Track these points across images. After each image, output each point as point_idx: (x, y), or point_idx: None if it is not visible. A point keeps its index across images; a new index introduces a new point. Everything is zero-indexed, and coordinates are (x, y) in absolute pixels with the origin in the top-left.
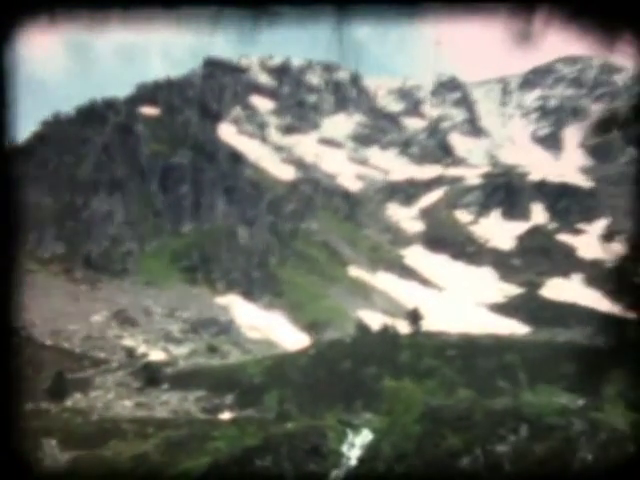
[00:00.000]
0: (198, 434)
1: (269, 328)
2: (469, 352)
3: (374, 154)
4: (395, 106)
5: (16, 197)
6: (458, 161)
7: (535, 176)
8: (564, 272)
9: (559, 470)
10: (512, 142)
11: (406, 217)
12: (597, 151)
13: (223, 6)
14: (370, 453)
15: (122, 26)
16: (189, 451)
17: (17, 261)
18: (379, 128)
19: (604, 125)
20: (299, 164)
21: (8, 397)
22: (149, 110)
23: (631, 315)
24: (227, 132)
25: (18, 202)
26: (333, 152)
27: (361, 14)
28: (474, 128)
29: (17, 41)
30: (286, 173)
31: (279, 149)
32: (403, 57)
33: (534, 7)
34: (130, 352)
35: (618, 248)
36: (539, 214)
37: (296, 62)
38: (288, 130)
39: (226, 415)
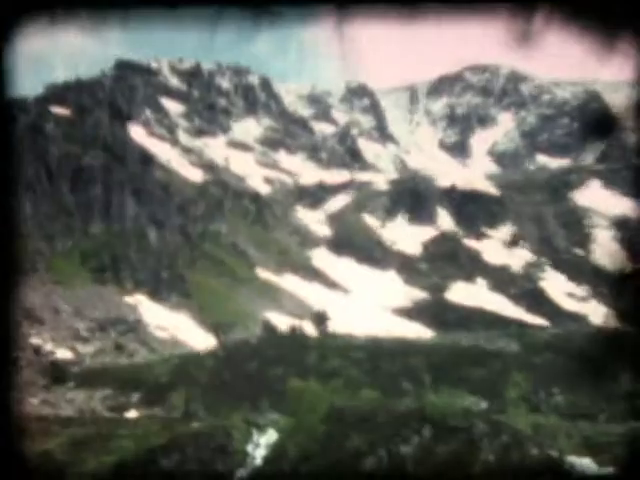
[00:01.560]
0: (104, 433)
1: (176, 328)
2: (374, 354)
3: (283, 158)
4: (304, 111)
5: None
6: (366, 166)
7: (442, 182)
8: (469, 277)
9: (461, 471)
10: (420, 149)
11: (314, 220)
12: (503, 158)
13: (223, 6)
14: (275, 453)
15: (122, 26)
16: (94, 450)
17: (16, 265)
18: (288, 132)
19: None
20: (209, 167)
21: (8, 397)
22: (59, 110)
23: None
24: (137, 134)
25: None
26: (242, 155)
27: (361, 14)
28: (382, 134)
29: (17, 41)
30: (196, 175)
31: (189, 151)
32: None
33: (534, 7)
34: (37, 350)
35: (522, 253)
36: (445, 219)
37: (206, 66)
38: (198, 133)
39: (132, 414)
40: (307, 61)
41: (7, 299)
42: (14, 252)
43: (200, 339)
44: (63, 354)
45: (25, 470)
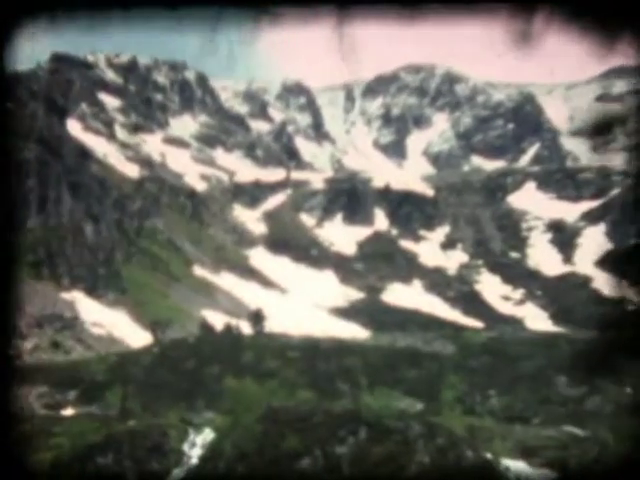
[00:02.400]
0: (40, 430)
1: (113, 325)
2: (310, 354)
3: (220, 155)
4: (241, 108)
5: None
6: (303, 165)
7: (378, 182)
8: (405, 278)
9: (396, 472)
10: (355, 148)
11: (251, 219)
12: (439, 159)
13: (223, 6)
14: (211, 452)
15: (122, 26)
16: (31, 447)
17: (14, 266)
18: (225, 129)
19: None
20: (145, 162)
21: (7, 398)
22: None
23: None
24: (73, 128)
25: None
26: (179, 152)
27: (361, 14)
28: (319, 133)
29: (17, 41)
30: (132, 171)
31: (125, 147)
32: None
33: (534, 7)
34: None
35: (457, 255)
36: (381, 220)
37: (143, 60)
38: (134, 128)
39: (69, 411)
40: (239, 59)
41: (5, 298)
42: (13, 251)
43: (137, 337)
44: None
45: (24, 472)
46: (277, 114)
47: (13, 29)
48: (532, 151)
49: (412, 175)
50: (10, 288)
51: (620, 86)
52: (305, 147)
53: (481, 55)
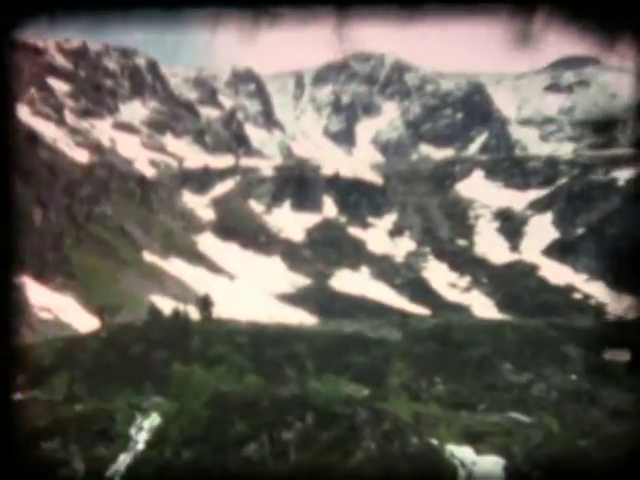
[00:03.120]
0: None
1: (61, 310)
2: (258, 340)
3: (169, 141)
4: (191, 94)
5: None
6: (252, 152)
7: (327, 170)
8: (353, 265)
9: (343, 458)
10: (305, 136)
11: (199, 205)
12: (388, 147)
13: (223, 6)
14: (158, 437)
15: (122, 26)
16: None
17: (14, 264)
18: (174, 115)
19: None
20: (95, 148)
21: (7, 398)
22: None
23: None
24: (22, 113)
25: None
26: (129, 137)
27: (361, 14)
28: (268, 120)
29: (17, 41)
30: (82, 156)
31: (75, 132)
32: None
33: (534, 7)
34: None
35: (405, 243)
36: (330, 207)
37: (93, 46)
38: (84, 114)
39: (14, 396)
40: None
41: (5, 302)
42: (12, 250)
43: (84, 321)
44: None
45: (24, 470)
46: (227, 101)
47: (13, 29)
48: (480, 140)
49: (361, 163)
50: (9, 288)
51: (568, 76)
52: (254, 134)
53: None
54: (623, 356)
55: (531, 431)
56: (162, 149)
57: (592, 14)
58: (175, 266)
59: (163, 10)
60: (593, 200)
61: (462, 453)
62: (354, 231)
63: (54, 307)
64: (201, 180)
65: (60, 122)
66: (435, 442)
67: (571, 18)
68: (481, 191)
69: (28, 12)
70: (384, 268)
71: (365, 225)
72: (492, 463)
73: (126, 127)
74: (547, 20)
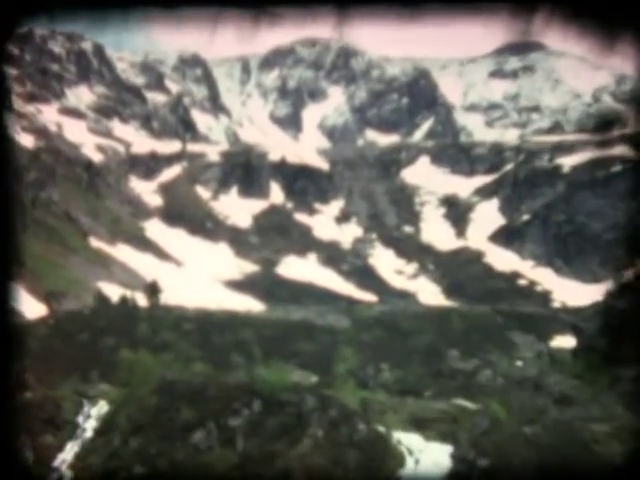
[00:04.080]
0: None
1: None
2: (205, 327)
3: (116, 126)
4: (137, 79)
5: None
6: (198, 137)
7: (274, 156)
8: (300, 251)
9: (290, 445)
10: (251, 121)
11: (146, 190)
12: (334, 133)
13: (223, 6)
14: (106, 424)
15: (122, 26)
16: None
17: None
18: (121, 100)
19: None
20: (41, 133)
21: (7, 399)
22: None
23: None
24: None
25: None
26: (75, 122)
27: (361, 14)
28: (215, 105)
29: (17, 41)
30: (27, 141)
31: (21, 117)
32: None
33: (534, 7)
34: None
35: (352, 229)
36: (277, 193)
37: (39, 31)
38: (30, 98)
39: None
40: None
41: (6, 302)
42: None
43: (31, 308)
44: None
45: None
46: (173, 86)
47: (13, 29)
48: (426, 126)
49: (307, 148)
50: (9, 287)
51: (513, 62)
52: (201, 119)
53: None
54: (568, 342)
55: (477, 418)
56: (109, 134)
57: (592, 14)
58: (122, 252)
59: (163, 10)
60: (538, 186)
61: (409, 440)
62: (301, 217)
63: None
64: (148, 166)
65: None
66: (382, 429)
67: (571, 18)
68: (427, 177)
69: (28, 11)
70: (331, 254)
71: (312, 211)
72: (439, 450)
73: (72, 112)
74: (547, 19)
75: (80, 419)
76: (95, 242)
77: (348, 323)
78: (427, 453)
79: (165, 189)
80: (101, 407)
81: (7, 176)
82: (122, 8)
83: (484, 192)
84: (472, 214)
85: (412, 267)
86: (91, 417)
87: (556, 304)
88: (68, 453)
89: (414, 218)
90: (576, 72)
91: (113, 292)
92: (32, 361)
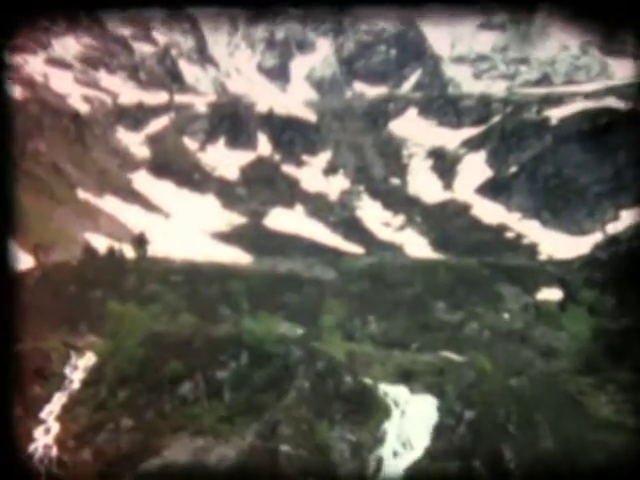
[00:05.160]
0: None
1: None
2: (193, 279)
3: (103, 77)
4: (125, 30)
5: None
6: (186, 88)
7: (261, 107)
8: (287, 203)
9: (277, 397)
10: (239, 72)
11: (134, 142)
12: (322, 85)
13: (223, 6)
14: (93, 376)
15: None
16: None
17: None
18: (108, 51)
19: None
20: (27, 84)
21: (7, 399)
22: None
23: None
24: None
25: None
26: (62, 73)
27: (361, 14)
28: (202, 56)
29: (17, 41)
30: (14, 92)
31: (7, 68)
32: None
33: (534, 7)
34: None
35: (339, 181)
36: (264, 145)
37: None
38: (16, 49)
39: None
40: None
41: (6, 299)
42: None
43: (19, 260)
44: None
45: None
46: (161, 37)
47: (13, 29)
48: (414, 78)
49: (295, 100)
50: (9, 288)
51: (501, 15)
52: (188, 70)
53: None
54: (555, 295)
55: (463, 370)
56: (96, 85)
57: (592, 14)
58: (110, 204)
59: (162, 9)
60: (526, 139)
61: (396, 392)
62: (288, 169)
63: None
64: (135, 117)
65: None
66: (369, 381)
67: (571, 17)
68: (414, 129)
69: (28, 11)
70: (318, 206)
71: (299, 163)
72: (425, 402)
73: (59, 62)
74: (547, 19)
75: (68, 370)
76: (82, 194)
77: (335, 275)
78: (413, 405)
79: (152, 140)
80: (89, 359)
81: (6, 133)
82: (123, 8)
83: (471, 144)
84: (459, 166)
85: (399, 219)
86: (78, 368)
87: (543, 257)
88: (55, 404)
89: (401, 170)
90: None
91: (101, 244)
92: (20, 313)
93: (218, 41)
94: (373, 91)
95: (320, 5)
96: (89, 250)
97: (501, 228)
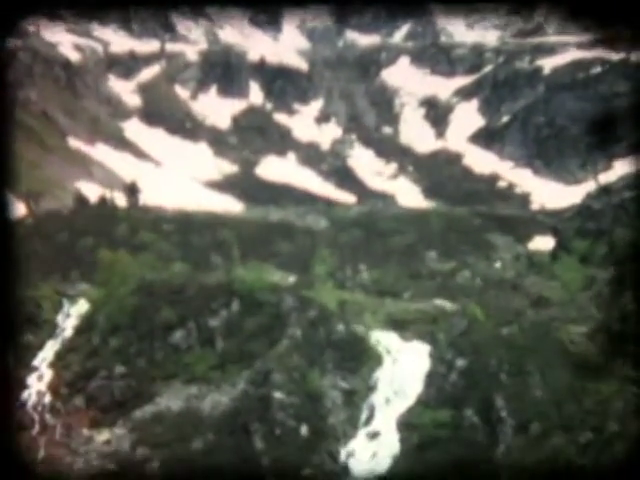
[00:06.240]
0: None
1: None
2: (184, 227)
3: (94, 25)
4: None
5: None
6: (177, 37)
7: (253, 56)
8: (279, 152)
9: (268, 345)
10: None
11: (125, 90)
12: (314, 33)
13: (223, 6)
14: (85, 323)
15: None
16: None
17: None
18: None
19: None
20: (17, 31)
21: (7, 398)
22: None
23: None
24: None
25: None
26: (52, 22)
27: (361, 14)
28: (194, 6)
29: (17, 41)
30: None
31: None
32: None
33: (534, 6)
34: None
35: (331, 130)
36: (256, 93)
37: None
38: None
39: None
40: None
41: (6, 295)
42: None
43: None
44: None
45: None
46: None
47: (13, 29)
48: (406, 27)
49: (287, 49)
50: (9, 289)
51: None
52: (180, 19)
53: None
54: (547, 244)
55: (455, 318)
56: (87, 34)
57: (592, 13)
58: (101, 152)
59: (162, 9)
60: (518, 88)
61: (388, 340)
62: (280, 117)
63: None
64: (127, 65)
65: None
66: (361, 329)
67: (571, 17)
68: (407, 78)
69: (28, 11)
70: (310, 155)
71: (291, 112)
72: (417, 350)
73: (50, 13)
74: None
75: (60, 318)
76: (74, 142)
77: (327, 224)
78: (405, 353)
79: (144, 89)
80: (81, 306)
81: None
82: (123, 8)
83: (464, 93)
84: (451, 115)
85: (391, 168)
86: (71, 316)
87: (535, 206)
88: (48, 352)
89: (393, 119)
90: None
91: (92, 192)
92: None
93: None
94: (365, 40)
95: None
96: (80, 198)
97: (493, 177)
